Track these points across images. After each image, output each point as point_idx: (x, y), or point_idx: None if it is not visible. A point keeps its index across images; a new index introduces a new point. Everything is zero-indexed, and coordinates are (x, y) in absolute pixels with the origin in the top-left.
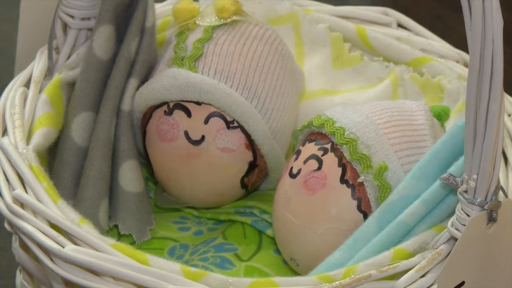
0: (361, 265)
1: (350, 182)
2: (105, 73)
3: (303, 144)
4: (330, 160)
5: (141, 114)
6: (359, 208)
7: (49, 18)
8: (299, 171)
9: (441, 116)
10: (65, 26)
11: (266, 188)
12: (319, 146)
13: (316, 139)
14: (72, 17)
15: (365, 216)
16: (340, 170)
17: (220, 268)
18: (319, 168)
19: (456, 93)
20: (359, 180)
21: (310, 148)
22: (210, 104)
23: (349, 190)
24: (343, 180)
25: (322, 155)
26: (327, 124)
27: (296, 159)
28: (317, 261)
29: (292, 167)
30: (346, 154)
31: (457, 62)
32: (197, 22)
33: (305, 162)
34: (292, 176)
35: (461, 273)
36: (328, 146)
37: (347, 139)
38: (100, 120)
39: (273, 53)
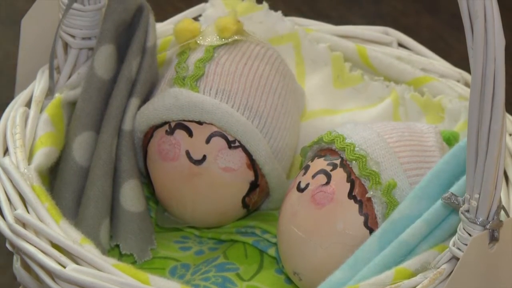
0: (363, 285)
1: (358, 198)
2: (106, 92)
3: (312, 160)
4: (339, 175)
5: (142, 134)
6: (365, 224)
7: (49, 37)
8: (307, 185)
9: (450, 140)
10: (66, 46)
11: (268, 208)
12: (328, 162)
13: (325, 155)
14: (73, 36)
15: (371, 232)
16: (348, 185)
17: None
18: (328, 183)
19: (457, 113)
20: (368, 195)
21: (319, 163)
22: (211, 124)
23: (356, 206)
24: (351, 195)
25: (331, 170)
26: (337, 140)
27: (305, 173)
28: (321, 276)
29: (300, 182)
30: (355, 170)
31: (458, 81)
32: (198, 41)
33: (313, 176)
34: (300, 190)
35: None
36: (338, 161)
37: (357, 155)
38: (101, 139)
39: (274, 73)
